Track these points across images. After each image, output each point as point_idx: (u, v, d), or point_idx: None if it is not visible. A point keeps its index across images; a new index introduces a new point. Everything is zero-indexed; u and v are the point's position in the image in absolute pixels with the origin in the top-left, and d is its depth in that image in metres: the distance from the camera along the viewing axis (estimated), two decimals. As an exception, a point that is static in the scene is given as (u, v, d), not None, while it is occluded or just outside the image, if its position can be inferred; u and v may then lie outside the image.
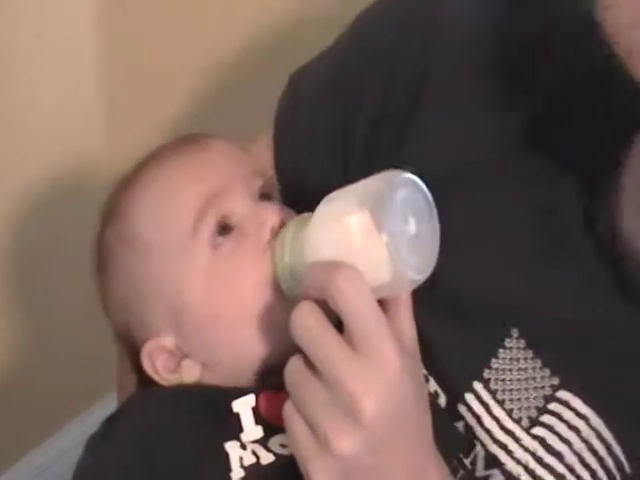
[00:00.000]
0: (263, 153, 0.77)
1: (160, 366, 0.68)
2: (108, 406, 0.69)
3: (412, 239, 0.58)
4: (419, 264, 0.58)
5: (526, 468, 0.62)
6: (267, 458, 0.62)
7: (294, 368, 0.58)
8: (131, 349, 0.71)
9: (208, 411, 0.64)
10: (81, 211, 1.38)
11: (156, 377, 0.68)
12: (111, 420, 0.68)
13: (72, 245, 1.40)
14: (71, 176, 1.37)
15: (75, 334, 1.47)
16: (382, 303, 0.58)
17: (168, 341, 0.68)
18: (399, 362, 0.55)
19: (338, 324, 0.57)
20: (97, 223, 0.74)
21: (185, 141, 0.73)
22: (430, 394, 0.65)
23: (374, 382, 0.54)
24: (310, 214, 0.62)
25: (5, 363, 1.41)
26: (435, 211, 0.60)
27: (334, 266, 0.56)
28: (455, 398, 0.65)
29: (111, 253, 0.71)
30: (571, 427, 0.62)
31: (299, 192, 0.74)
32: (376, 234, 0.56)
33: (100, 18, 1.33)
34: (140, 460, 0.62)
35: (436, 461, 0.59)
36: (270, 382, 0.65)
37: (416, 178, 0.60)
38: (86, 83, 1.36)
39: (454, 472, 0.63)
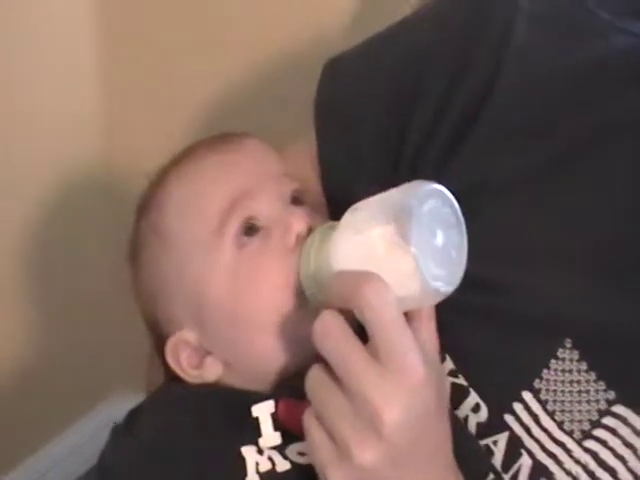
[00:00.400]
0: (301, 154, 0.77)
1: (183, 361, 0.68)
2: (113, 406, 0.69)
3: (439, 251, 0.58)
4: (446, 276, 0.58)
5: None
6: (283, 465, 0.62)
7: (316, 376, 0.57)
8: (158, 342, 0.71)
9: (227, 413, 0.64)
10: (87, 213, 1.41)
11: (179, 371, 0.69)
12: (134, 413, 0.69)
13: (82, 245, 1.43)
14: (74, 183, 1.38)
15: (82, 334, 1.49)
16: (405, 314, 0.58)
17: (191, 336, 0.68)
18: (422, 375, 0.55)
19: (358, 333, 0.57)
20: (134, 213, 0.74)
21: (219, 139, 0.73)
22: (458, 420, 0.64)
23: (397, 394, 0.54)
24: (336, 223, 0.62)
25: (11, 363, 1.43)
26: (463, 223, 0.60)
27: (362, 276, 0.56)
28: (502, 408, 0.63)
29: (143, 244, 0.72)
30: (627, 444, 0.60)
31: (342, 190, 0.73)
32: (403, 246, 0.56)
33: (100, 21, 1.34)
34: (157, 457, 0.63)
35: (454, 472, 0.59)
36: (289, 389, 0.64)
37: (444, 189, 0.59)
38: (87, 94, 1.38)
39: None
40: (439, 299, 0.59)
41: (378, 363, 0.54)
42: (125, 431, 0.67)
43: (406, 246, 0.56)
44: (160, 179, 0.72)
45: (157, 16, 1.32)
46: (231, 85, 1.29)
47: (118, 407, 0.71)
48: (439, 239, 0.58)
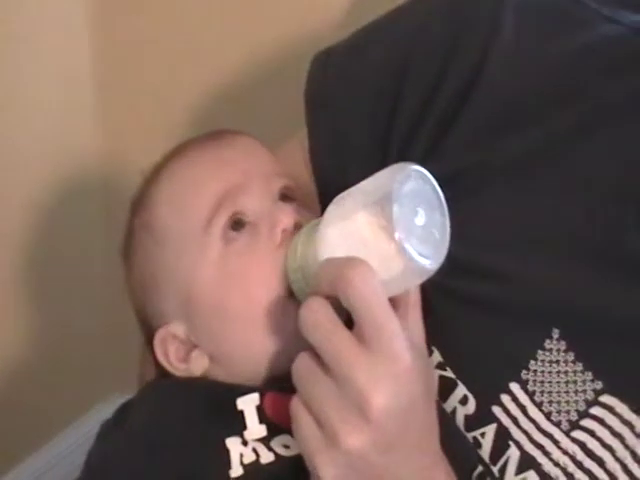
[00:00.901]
0: (293, 153, 0.77)
1: (171, 354, 0.69)
2: (107, 410, 0.70)
3: (422, 230, 0.58)
4: (429, 254, 0.58)
5: (565, 471, 0.61)
6: (267, 457, 0.62)
7: (302, 363, 0.58)
8: (148, 336, 0.72)
9: (212, 406, 0.64)
10: (82, 214, 1.41)
11: (167, 365, 0.69)
12: (123, 408, 0.69)
13: (75, 247, 1.43)
14: (70, 181, 1.38)
15: (73, 337, 1.49)
16: (392, 301, 0.58)
17: (179, 329, 0.69)
18: (409, 359, 0.55)
19: (346, 322, 0.57)
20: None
21: (212, 136, 0.74)
22: (445, 412, 0.64)
23: (383, 378, 0.54)
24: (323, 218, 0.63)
25: (7, 364, 1.43)
26: (444, 202, 0.60)
27: (345, 261, 0.57)
28: (489, 400, 0.64)
29: (135, 238, 0.73)
30: (614, 433, 0.60)
31: (337, 183, 0.73)
32: (385, 227, 0.57)
33: (96, 21, 1.34)
34: (143, 450, 0.63)
35: (442, 462, 0.60)
36: (276, 384, 0.65)
37: (423, 170, 0.60)
38: (83, 93, 1.38)
39: None
40: (424, 277, 0.59)
41: (365, 348, 0.55)
42: (112, 426, 0.68)
43: (389, 228, 0.56)
44: (152, 176, 0.73)
45: (152, 17, 1.33)
46: (225, 85, 1.29)
47: (109, 414, 0.71)
48: (421, 218, 0.58)
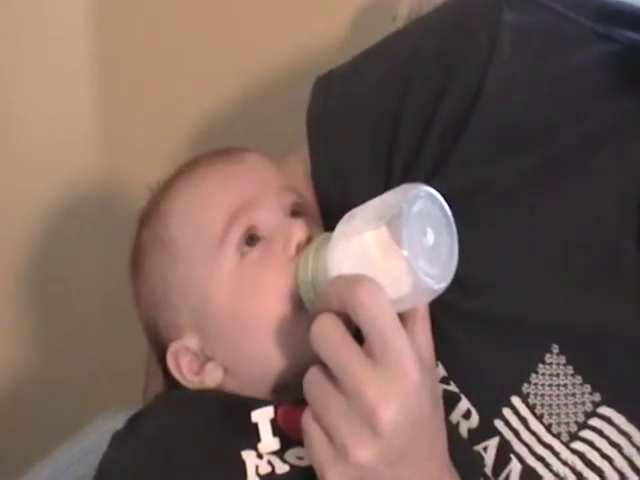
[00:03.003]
0: (295, 169, 0.78)
1: (184, 367, 0.69)
2: (106, 424, 0.70)
3: (430, 250, 0.59)
4: (438, 274, 0.59)
5: None
6: (282, 468, 0.63)
7: (313, 378, 0.59)
8: (159, 350, 0.73)
9: (227, 418, 0.65)
10: (80, 231, 1.41)
11: (180, 378, 0.70)
12: (135, 418, 0.70)
13: (78, 261, 1.42)
14: (71, 195, 1.39)
15: (73, 352, 1.49)
16: (400, 317, 0.59)
17: (192, 342, 0.70)
18: (417, 374, 0.56)
19: (356, 336, 0.58)
20: (135, 226, 0.76)
21: (221, 153, 0.75)
22: (452, 424, 0.65)
23: (393, 393, 0.55)
24: (333, 232, 0.63)
25: (7, 379, 1.43)
26: (453, 222, 0.61)
27: (356, 279, 0.58)
28: (492, 414, 0.65)
29: (145, 253, 0.73)
30: (613, 444, 0.62)
31: (336, 202, 0.74)
32: (395, 247, 0.58)
33: (97, 38, 1.35)
34: (159, 460, 0.64)
35: (449, 473, 0.60)
36: (288, 395, 0.65)
37: (433, 190, 0.61)
38: (82, 109, 1.38)
39: None
40: (432, 297, 0.60)
41: (374, 363, 0.56)
42: (125, 436, 0.68)
43: (398, 247, 0.57)
44: (163, 191, 0.74)
45: (154, 34, 1.34)
46: (227, 102, 1.30)
47: (113, 424, 0.71)
48: (430, 238, 0.59)
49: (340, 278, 0.60)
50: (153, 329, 0.73)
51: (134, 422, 0.69)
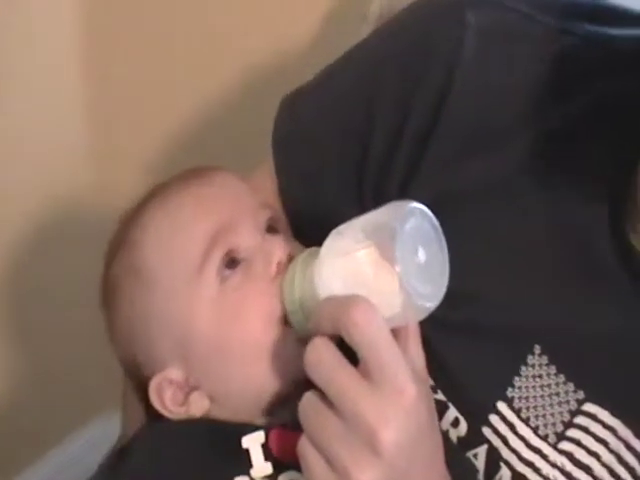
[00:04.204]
0: (264, 183, 0.77)
1: (168, 399, 0.68)
2: (98, 428, 0.68)
3: (422, 268, 0.59)
4: (430, 292, 0.59)
5: None
6: None
7: (309, 403, 0.58)
8: (139, 383, 0.71)
9: (217, 446, 0.64)
10: (66, 247, 1.41)
11: (164, 411, 0.68)
12: (120, 454, 0.68)
13: (66, 274, 1.42)
14: (61, 208, 1.38)
15: (64, 354, 1.48)
16: (392, 331, 0.58)
17: (175, 374, 0.68)
18: (414, 391, 0.55)
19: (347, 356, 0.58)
20: (103, 257, 0.74)
21: (191, 175, 0.73)
22: (444, 433, 0.65)
23: (392, 413, 0.55)
24: (317, 248, 0.63)
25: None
26: (443, 238, 0.61)
27: (348, 299, 0.57)
28: (479, 421, 0.65)
29: (118, 285, 0.71)
30: (599, 439, 0.62)
31: (308, 219, 0.74)
32: (387, 266, 0.57)
33: (86, 50, 1.34)
34: None
35: None
36: (277, 419, 0.65)
37: (424, 207, 0.60)
38: (70, 122, 1.38)
39: None
40: (424, 315, 0.60)
41: (371, 384, 0.55)
42: (112, 472, 0.67)
43: (390, 267, 0.57)
44: (132, 220, 0.72)
45: (143, 46, 1.34)
46: (212, 117, 1.32)
47: (102, 430, 0.70)
48: (422, 256, 0.59)
49: (331, 299, 0.59)
50: (132, 364, 0.71)
51: (118, 457, 0.68)
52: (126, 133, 1.40)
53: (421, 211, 0.60)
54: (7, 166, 1.30)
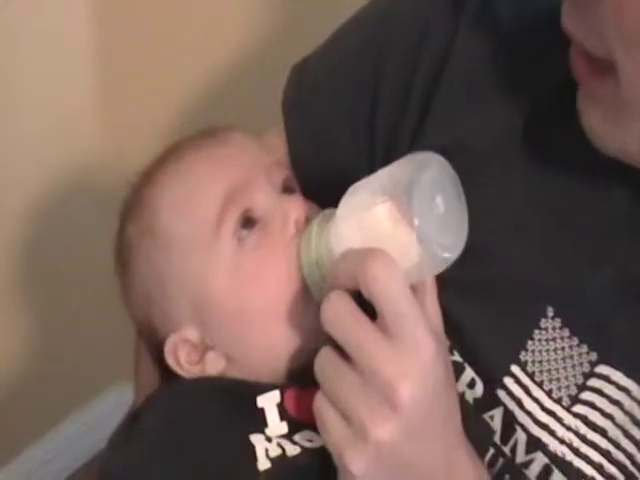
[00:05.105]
0: (277, 146, 0.77)
1: (183, 359, 0.68)
2: (107, 400, 0.69)
3: (441, 219, 0.58)
4: (449, 243, 0.58)
5: (570, 447, 0.61)
6: (293, 450, 0.62)
7: (325, 358, 0.57)
8: (154, 345, 0.71)
9: (233, 404, 0.64)
10: (81, 214, 1.42)
11: (179, 370, 0.68)
12: (135, 416, 0.68)
13: (78, 243, 1.43)
14: (70, 178, 1.39)
15: (73, 327, 1.50)
16: (410, 287, 0.58)
17: (191, 334, 0.68)
18: (433, 346, 0.55)
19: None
20: (118, 219, 0.73)
21: (204, 135, 0.73)
22: (460, 394, 0.64)
23: (409, 367, 0.54)
24: (333, 209, 0.62)
25: (7, 356, 1.44)
26: (461, 190, 0.60)
27: (366, 253, 0.56)
28: (493, 384, 0.64)
29: (133, 247, 0.70)
30: (613, 401, 0.61)
31: (319, 184, 0.73)
32: (404, 218, 0.57)
33: (95, 23, 1.35)
34: (169, 451, 0.62)
35: (465, 443, 0.60)
36: (294, 379, 0.65)
37: (441, 158, 0.59)
38: (82, 88, 1.39)
39: (493, 461, 0.63)
40: (444, 266, 0.59)
41: (389, 338, 0.55)
42: (125, 436, 0.66)
43: (409, 219, 0.56)
44: (146, 181, 0.71)
45: (151, 20, 1.35)
46: (227, 85, 1.32)
47: (115, 400, 0.70)
48: (440, 207, 0.58)
49: (350, 252, 0.58)
50: (147, 325, 0.71)
51: (132, 421, 0.67)
52: (141, 100, 1.40)
53: (439, 162, 0.59)
54: (24, 134, 1.30)
